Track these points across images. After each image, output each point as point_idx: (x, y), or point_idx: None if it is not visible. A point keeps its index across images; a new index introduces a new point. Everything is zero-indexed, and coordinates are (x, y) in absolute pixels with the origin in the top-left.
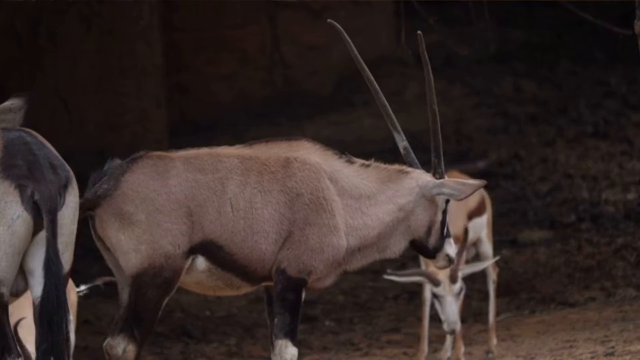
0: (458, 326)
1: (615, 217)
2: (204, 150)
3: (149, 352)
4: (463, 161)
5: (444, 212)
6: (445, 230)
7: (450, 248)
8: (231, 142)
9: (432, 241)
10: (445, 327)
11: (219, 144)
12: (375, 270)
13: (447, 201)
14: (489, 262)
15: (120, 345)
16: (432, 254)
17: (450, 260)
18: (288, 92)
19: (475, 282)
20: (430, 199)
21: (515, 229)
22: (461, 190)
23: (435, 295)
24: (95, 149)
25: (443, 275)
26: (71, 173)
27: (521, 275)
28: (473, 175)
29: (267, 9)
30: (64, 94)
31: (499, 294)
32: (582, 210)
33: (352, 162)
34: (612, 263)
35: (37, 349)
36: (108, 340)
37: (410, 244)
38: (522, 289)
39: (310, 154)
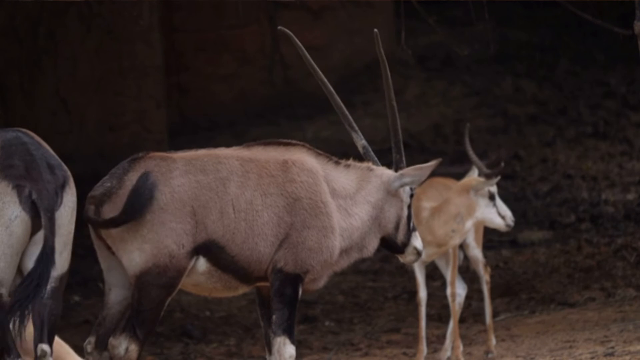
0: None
1: (615, 217)
2: (202, 152)
3: (149, 352)
4: (463, 161)
5: (409, 207)
6: (411, 224)
7: (417, 241)
8: (231, 142)
9: (401, 236)
10: (509, 220)
11: (219, 144)
12: (375, 270)
13: (412, 195)
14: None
15: (123, 345)
16: (401, 249)
17: (418, 252)
18: (288, 92)
19: (475, 283)
20: (394, 194)
21: (515, 229)
22: (420, 174)
23: (491, 197)
24: (95, 149)
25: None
26: (68, 173)
27: (521, 275)
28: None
29: (267, 9)
30: (64, 94)
31: (498, 294)
32: (582, 211)
33: (338, 164)
34: (612, 263)
35: (35, 348)
36: (110, 340)
37: (380, 241)
38: (522, 289)
39: (305, 157)
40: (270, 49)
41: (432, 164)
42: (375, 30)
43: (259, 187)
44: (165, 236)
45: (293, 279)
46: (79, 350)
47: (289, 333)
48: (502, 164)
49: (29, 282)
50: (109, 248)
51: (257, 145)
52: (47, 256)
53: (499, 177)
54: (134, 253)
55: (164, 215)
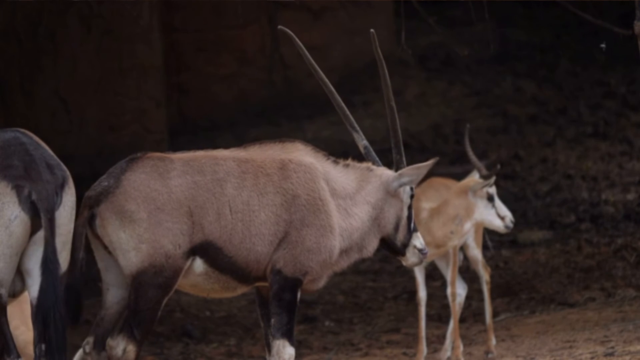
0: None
1: (615, 218)
2: (200, 153)
3: (149, 353)
4: (463, 161)
5: (410, 207)
6: (412, 225)
7: (418, 241)
8: (231, 142)
9: (401, 237)
10: (508, 221)
11: (218, 145)
12: (375, 270)
13: (412, 196)
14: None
15: (120, 346)
16: (401, 250)
17: (421, 252)
18: (288, 93)
19: (475, 283)
20: (394, 195)
21: (515, 229)
22: (418, 173)
23: (490, 198)
24: (95, 149)
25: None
26: (67, 172)
27: (521, 275)
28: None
29: (267, 9)
30: (64, 94)
31: (498, 294)
32: (582, 211)
33: (337, 163)
34: (612, 263)
35: (35, 349)
36: (108, 340)
37: (380, 242)
38: (522, 289)
39: (304, 156)
40: (270, 49)
41: (429, 162)
42: (372, 30)
43: (256, 187)
44: (161, 236)
45: (292, 284)
46: (77, 348)
47: (288, 336)
48: (499, 166)
49: (44, 296)
50: (105, 247)
51: (255, 145)
52: (50, 262)
53: (494, 178)
54: (131, 253)
55: (160, 215)
